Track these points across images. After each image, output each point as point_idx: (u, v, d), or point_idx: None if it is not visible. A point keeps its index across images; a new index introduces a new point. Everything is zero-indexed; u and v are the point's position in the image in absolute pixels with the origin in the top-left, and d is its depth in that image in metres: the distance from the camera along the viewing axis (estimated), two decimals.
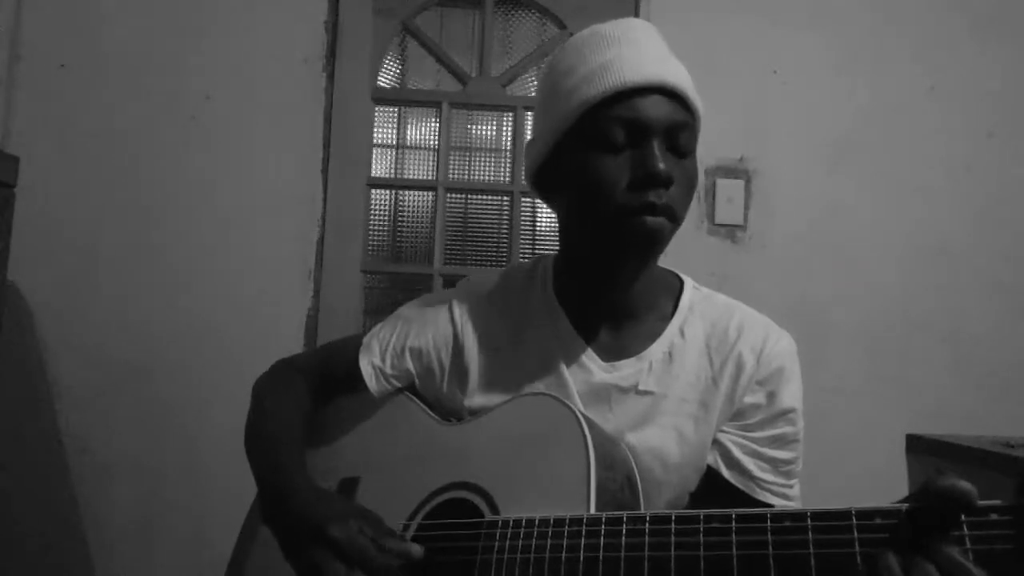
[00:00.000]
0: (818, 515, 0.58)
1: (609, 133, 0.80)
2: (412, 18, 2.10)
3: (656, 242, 0.82)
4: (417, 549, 0.78)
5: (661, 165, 0.79)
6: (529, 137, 0.93)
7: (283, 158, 1.97)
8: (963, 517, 0.52)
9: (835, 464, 1.61)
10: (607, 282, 0.89)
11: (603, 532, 0.68)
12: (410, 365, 0.96)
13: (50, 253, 1.91)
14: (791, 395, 0.88)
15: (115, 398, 1.90)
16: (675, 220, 0.82)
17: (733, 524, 0.61)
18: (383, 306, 2.07)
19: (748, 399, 0.87)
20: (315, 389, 1.01)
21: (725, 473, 0.87)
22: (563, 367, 0.89)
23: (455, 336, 0.95)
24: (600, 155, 0.81)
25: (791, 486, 0.88)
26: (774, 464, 0.87)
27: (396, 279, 2.13)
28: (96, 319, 1.91)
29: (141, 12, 1.97)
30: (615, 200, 0.80)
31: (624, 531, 0.67)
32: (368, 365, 0.96)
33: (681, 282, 0.95)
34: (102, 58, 1.96)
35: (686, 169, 0.83)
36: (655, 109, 0.80)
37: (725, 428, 0.88)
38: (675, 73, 0.82)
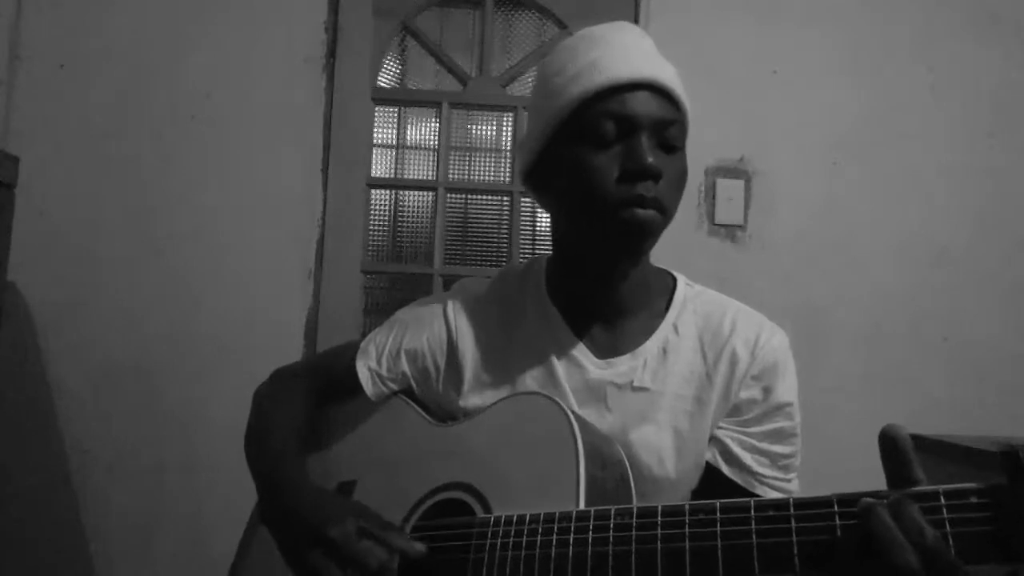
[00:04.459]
0: (801, 503, 0.59)
1: (599, 128, 0.82)
2: (412, 18, 2.10)
3: (646, 234, 0.83)
4: (419, 547, 0.78)
5: (649, 158, 0.80)
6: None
7: (283, 158, 1.97)
8: (943, 500, 0.53)
9: (835, 464, 1.60)
10: (599, 279, 0.89)
11: (591, 527, 0.68)
12: (406, 368, 0.96)
13: (50, 253, 1.91)
14: (787, 389, 0.89)
15: (115, 398, 1.90)
16: (665, 214, 0.83)
17: (718, 515, 0.62)
18: (383, 306, 2.07)
19: (744, 394, 0.88)
20: (314, 394, 1.01)
21: (724, 469, 0.87)
22: (556, 365, 0.90)
23: (449, 337, 0.96)
24: (590, 149, 0.82)
25: (790, 480, 0.88)
26: (772, 458, 0.87)
27: (396, 279, 2.13)
28: (96, 319, 1.91)
29: (141, 12, 1.97)
30: (605, 193, 0.81)
31: (612, 525, 0.67)
32: (365, 369, 0.97)
33: (674, 280, 0.96)
34: (102, 58, 1.96)
35: (675, 164, 0.84)
36: (644, 105, 0.82)
37: (723, 424, 0.88)
38: (663, 71, 0.84)
